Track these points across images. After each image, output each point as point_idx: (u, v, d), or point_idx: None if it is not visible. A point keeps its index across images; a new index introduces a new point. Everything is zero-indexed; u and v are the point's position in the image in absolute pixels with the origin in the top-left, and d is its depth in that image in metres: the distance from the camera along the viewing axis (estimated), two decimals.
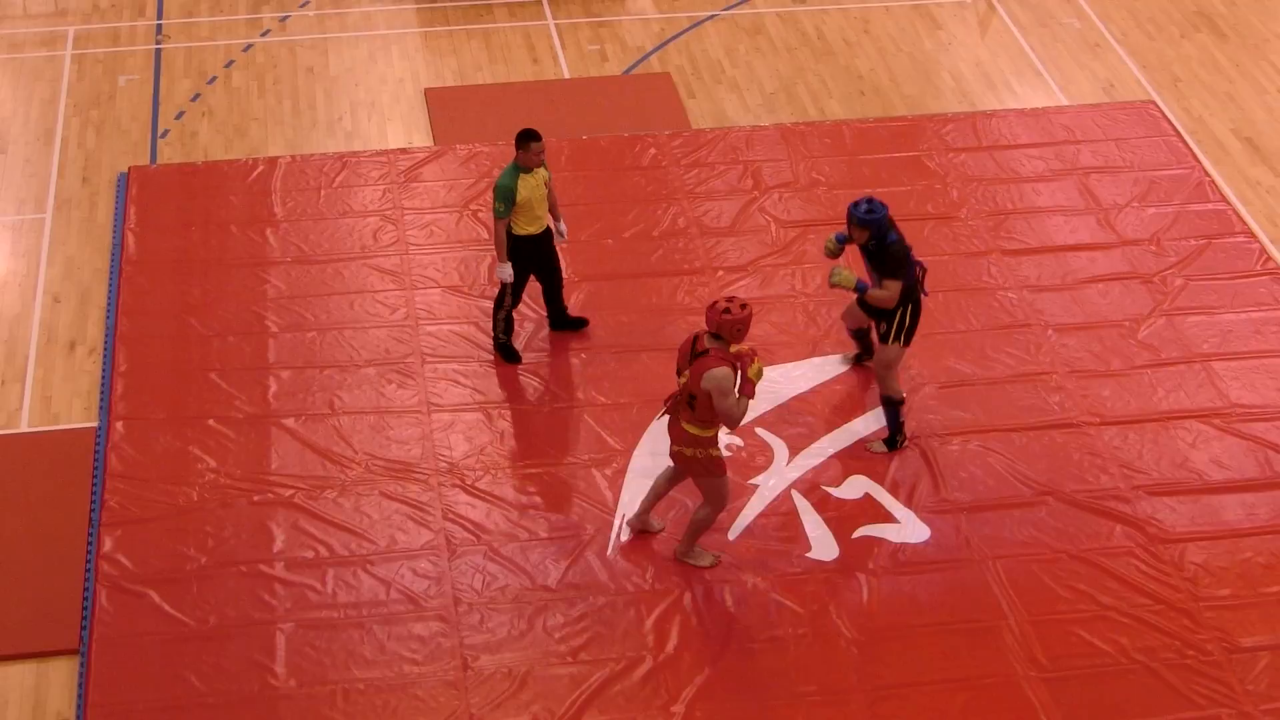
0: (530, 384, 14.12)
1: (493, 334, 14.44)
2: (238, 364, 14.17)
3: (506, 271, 13.90)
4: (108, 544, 12.58)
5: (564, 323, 14.65)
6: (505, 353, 14.41)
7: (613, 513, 13.02)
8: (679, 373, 12.00)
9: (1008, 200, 16.25)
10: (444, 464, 13.34)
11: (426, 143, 17.10)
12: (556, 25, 19.11)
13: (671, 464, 12.37)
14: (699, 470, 12.14)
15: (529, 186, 13.66)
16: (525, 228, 13.85)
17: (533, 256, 14.04)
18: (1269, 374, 14.39)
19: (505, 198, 13.57)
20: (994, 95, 18.14)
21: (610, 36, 18.96)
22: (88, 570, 12.47)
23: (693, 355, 11.85)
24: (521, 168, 13.59)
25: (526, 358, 14.34)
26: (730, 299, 11.82)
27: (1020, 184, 16.43)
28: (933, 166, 16.65)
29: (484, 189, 16.16)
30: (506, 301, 14.21)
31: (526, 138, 13.49)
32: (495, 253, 13.92)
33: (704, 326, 11.93)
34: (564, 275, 14.61)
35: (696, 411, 11.81)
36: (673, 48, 18.79)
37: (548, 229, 14.04)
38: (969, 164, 16.64)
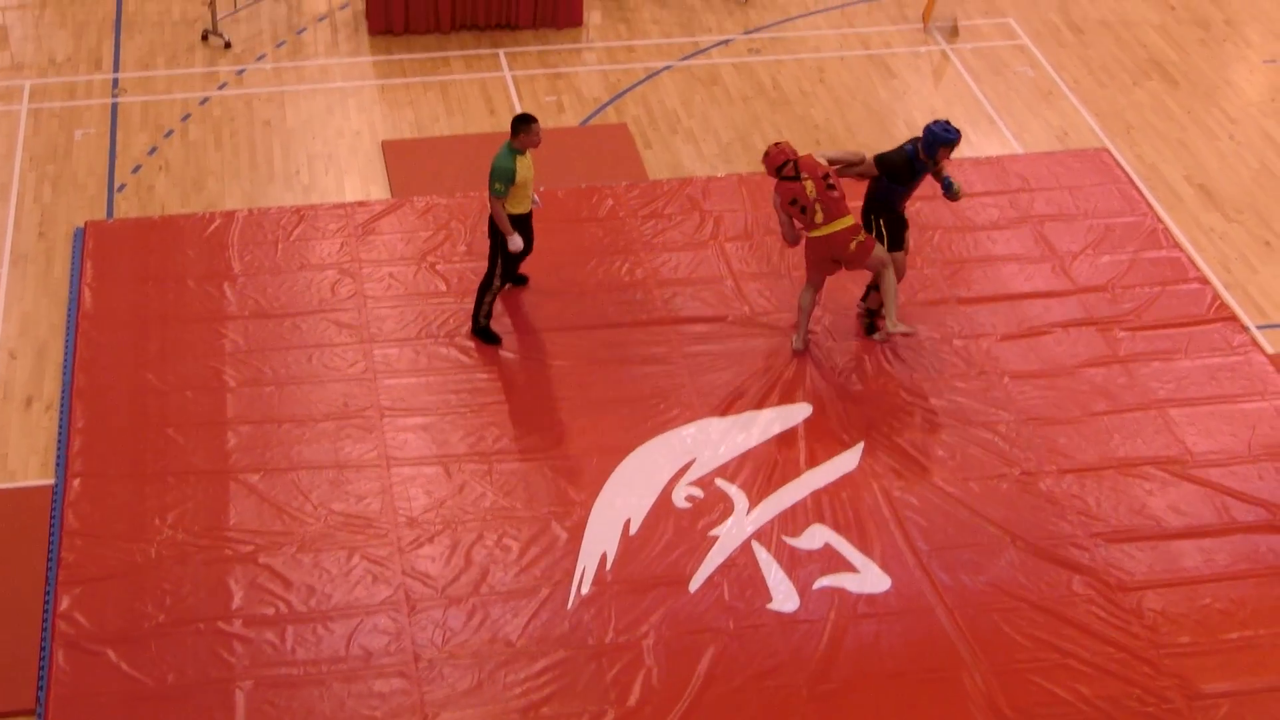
0: (490, 435, 14.11)
1: (475, 320, 14.94)
2: (195, 419, 14.12)
3: (517, 241, 14.51)
4: (65, 602, 12.50)
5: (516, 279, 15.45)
6: (486, 336, 14.94)
7: (574, 565, 13.00)
8: (800, 194, 14.23)
9: (963, 248, 16.33)
10: (403, 518, 13.31)
11: (384, 195, 17.11)
12: (513, 77, 19.16)
13: (814, 288, 14.77)
14: (869, 250, 14.31)
15: (525, 167, 14.32)
16: (517, 207, 14.49)
17: (522, 234, 14.59)
18: (1225, 420, 14.47)
19: (505, 178, 14.20)
20: None
21: (566, 88, 19.01)
22: (44, 629, 12.38)
23: (796, 175, 14.27)
24: (517, 150, 14.23)
25: (485, 410, 14.32)
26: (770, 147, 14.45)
27: (975, 232, 16.53)
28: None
29: (442, 241, 16.17)
30: (495, 283, 14.80)
31: (526, 119, 14.16)
32: (501, 229, 14.46)
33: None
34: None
35: (836, 190, 14.25)
36: (629, 98, 18.86)
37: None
38: (924, 212, 16.71)
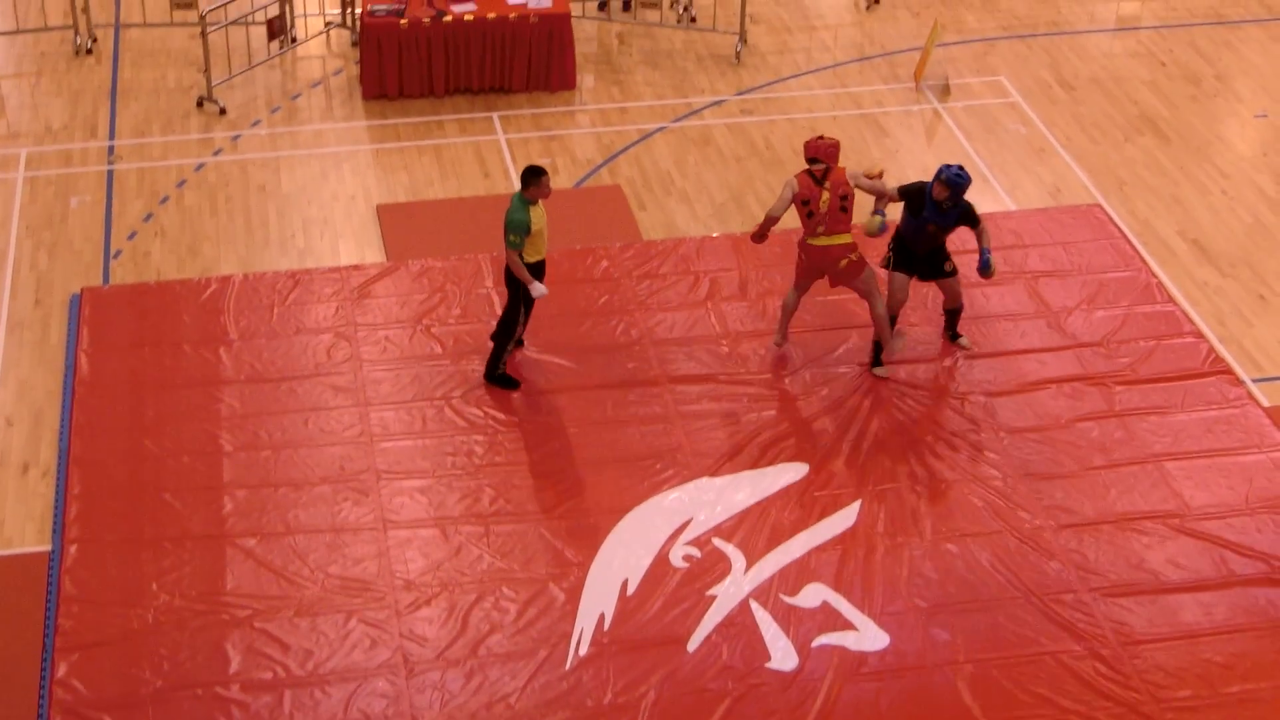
0: (486, 497, 14.10)
1: (490, 368, 15.16)
2: (192, 484, 14.11)
3: (541, 288, 14.68)
4: (62, 669, 12.46)
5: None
6: (504, 382, 15.18)
7: (572, 626, 12.97)
8: (814, 199, 14.73)
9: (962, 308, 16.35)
10: (400, 581, 13.29)
11: (379, 258, 17.15)
12: (507, 140, 19.24)
13: (799, 292, 15.35)
14: (858, 270, 14.87)
15: (538, 217, 14.55)
16: (531, 257, 14.67)
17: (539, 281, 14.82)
18: (1221, 473, 14.47)
19: (520, 229, 14.39)
20: None
21: (560, 149, 19.09)
22: (42, 696, 12.34)
23: (821, 180, 14.75)
24: (530, 201, 14.42)
25: (482, 472, 14.32)
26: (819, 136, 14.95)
27: (969, 289, 16.55)
28: (883, 274, 16.74)
29: (437, 304, 16.21)
30: (517, 330, 15.02)
31: (537, 171, 14.38)
32: (521, 279, 14.65)
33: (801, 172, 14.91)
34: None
35: (846, 212, 14.70)
36: (622, 160, 18.93)
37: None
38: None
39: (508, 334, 15.10)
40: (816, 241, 14.98)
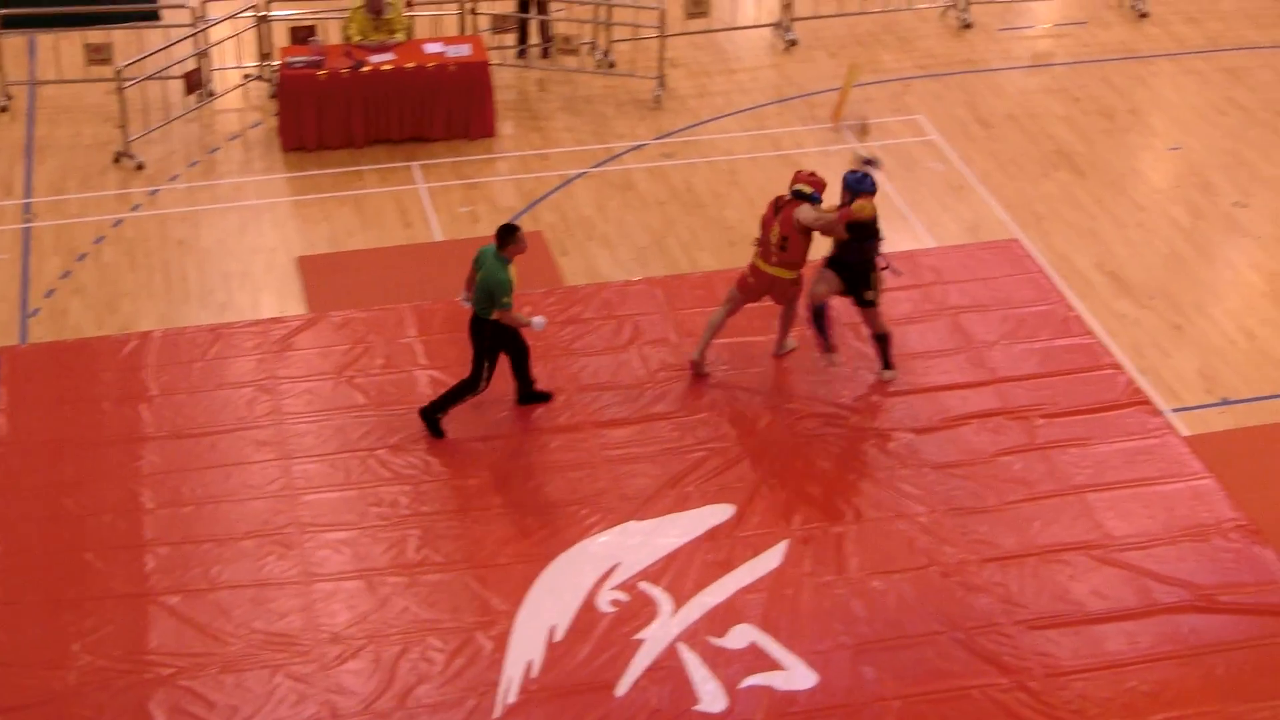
0: (411, 547, 14.04)
1: (434, 406, 15.13)
2: (113, 543, 14.00)
3: (541, 320, 14.90)
4: None
5: (532, 396, 15.52)
6: (434, 427, 15.20)
7: (499, 675, 12.92)
8: (767, 230, 15.23)
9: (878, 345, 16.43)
10: (326, 634, 13.21)
11: (300, 310, 17.11)
12: (428, 189, 19.25)
13: (727, 307, 15.70)
14: (797, 294, 15.56)
15: (514, 273, 14.61)
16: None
17: (511, 335, 14.99)
18: (1142, 503, 14.57)
19: (508, 290, 14.51)
20: None
21: (481, 197, 19.11)
22: None
23: (778, 209, 15.12)
24: (506, 259, 14.49)
25: (407, 522, 14.27)
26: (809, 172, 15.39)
27: (891, 325, 16.62)
28: (804, 313, 16.81)
29: (360, 355, 16.17)
30: (480, 387, 15.04)
31: (513, 230, 14.50)
32: (517, 325, 14.86)
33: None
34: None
35: (788, 252, 15.12)
36: (543, 206, 18.96)
37: None
38: (840, 308, 16.81)
39: (472, 388, 15.08)
40: (766, 268, 15.46)
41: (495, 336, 14.89)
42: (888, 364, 16.01)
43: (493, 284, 14.49)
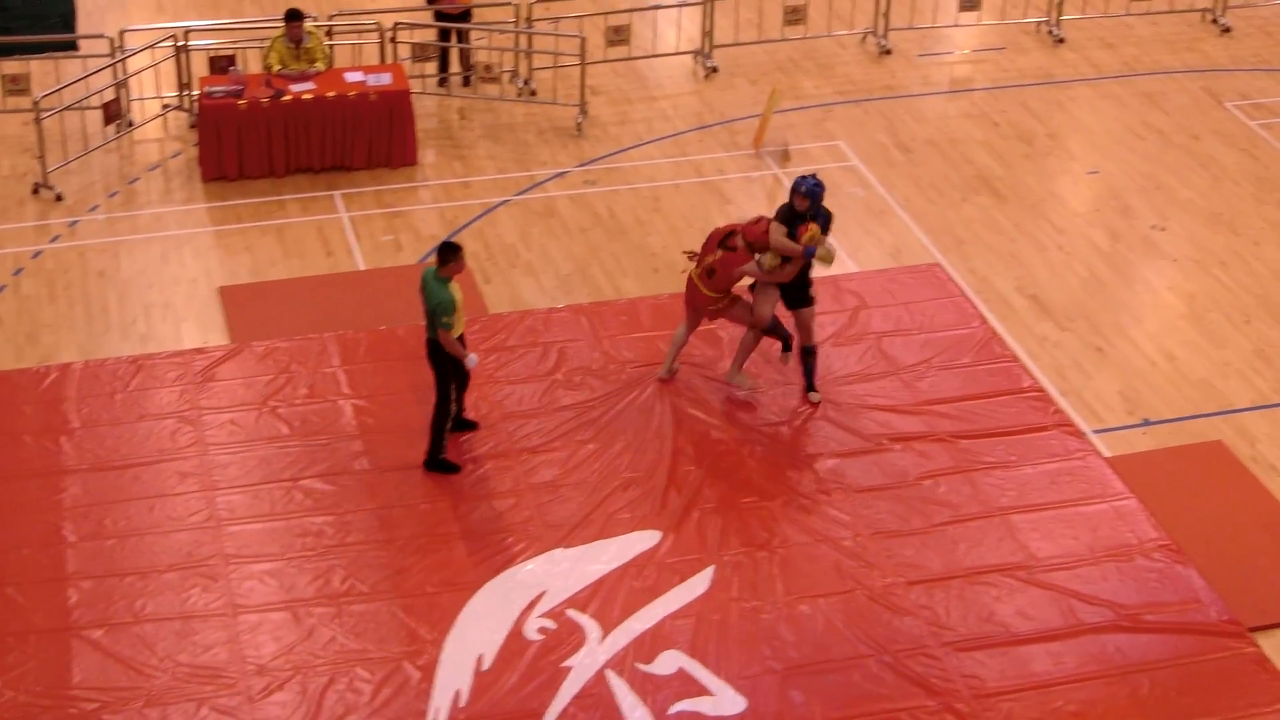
0: (337, 577, 13.97)
1: (431, 454, 15.00)
2: (34, 577, 13.85)
3: (473, 359, 14.84)
4: None
5: (462, 424, 15.40)
6: (444, 467, 15.06)
7: (427, 705, 12.86)
8: (702, 256, 15.53)
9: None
10: (252, 666, 13.12)
11: (223, 341, 17.00)
12: (350, 218, 19.18)
13: (688, 329, 16.02)
14: (727, 309, 15.66)
15: (457, 291, 14.57)
16: (457, 329, 14.64)
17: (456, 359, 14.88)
18: (1066, 524, 14.67)
19: (450, 309, 14.45)
20: None
21: (404, 226, 19.06)
22: None
23: (722, 245, 15.39)
24: (445, 278, 14.49)
25: (332, 552, 14.20)
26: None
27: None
28: (726, 336, 16.87)
29: (283, 385, 16.08)
30: (450, 410, 14.96)
31: (454, 248, 14.49)
32: (455, 354, 14.72)
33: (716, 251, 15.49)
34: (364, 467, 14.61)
35: (714, 280, 15.42)
36: (466, 234, 18.93)
37: None
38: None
39: (443, 416, 15.01)
40: (695, 280, 15.68)
41: (450, 359, 14.81)
42: (812, 386, 16.07)
43: (434, 304, 14.47)
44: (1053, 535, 14.57)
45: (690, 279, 15.75)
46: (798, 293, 15.75)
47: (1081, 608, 13.82)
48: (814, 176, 15.57)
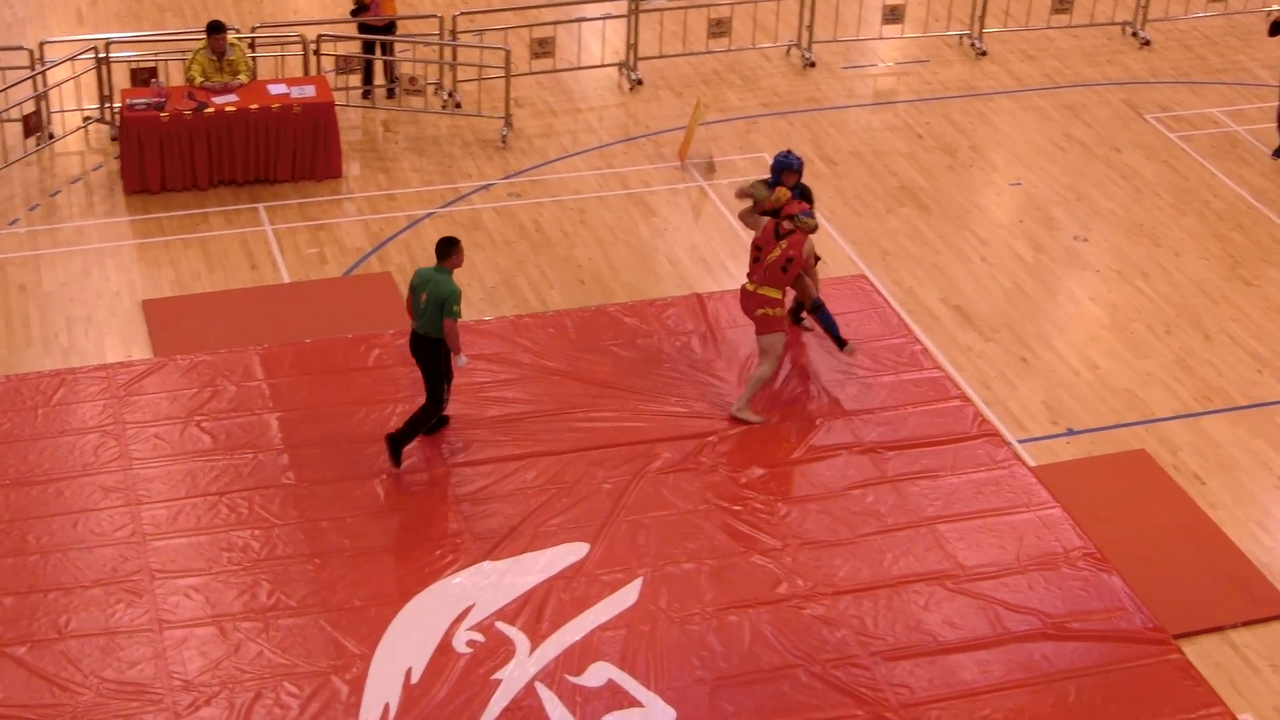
0: (264, 591, 13.88)
1: (400, 435, 15.18)
2: None
3: (464, 359, 15.11)
4: None
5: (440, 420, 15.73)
6: (398, 455, 15.24)
7: (355, 719, 12.79)
8: (765, 247, 15.70)
9: (731, 382, 16.52)
10: (179, 682, 13.01)
11: (146, 355, 16.87)
12: (274, 230, 19.08)
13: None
14: (763, 327, 15.77)
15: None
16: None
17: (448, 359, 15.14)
18: (992, 533, 14.76)
19: (459, 298, 14.72)
20: (711, 277, 18.52)
21: (329, 239, 18.98)
22: None
23: (781, 235, 15.66)
24: (448, 270, 14.79)
25: (259, 566, 14.11)
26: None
27: (738, 359, 16.74)
28: (656, 351, 16.88)
29: (208, 398, 15.98)
30: (440, 409, 15.21)
31: (455, 241, 14.84)
32: (455, 348, 14.90)
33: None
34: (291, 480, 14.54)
35: (786, 274, 15.61)
36: (391, 247, 18.87)
37: None
38: (694, 346, 16.92)
39: (435, 410, 15.22)
40: (748, 285, 15.90)
41: (446, 356, 15.01)
42: (840, 341, 16.75)
43: (445, 293, 14.66)
44: (979, 544, 14.65)
45: (745, 289, 15.94)
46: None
47: (1008, 616, 13.91)
48: (790, 151, 16.62)
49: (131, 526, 14.46)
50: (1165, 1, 24.77)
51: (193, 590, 13.88)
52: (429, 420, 15.24)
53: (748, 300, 15.93)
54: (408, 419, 15.27)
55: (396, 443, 15.18)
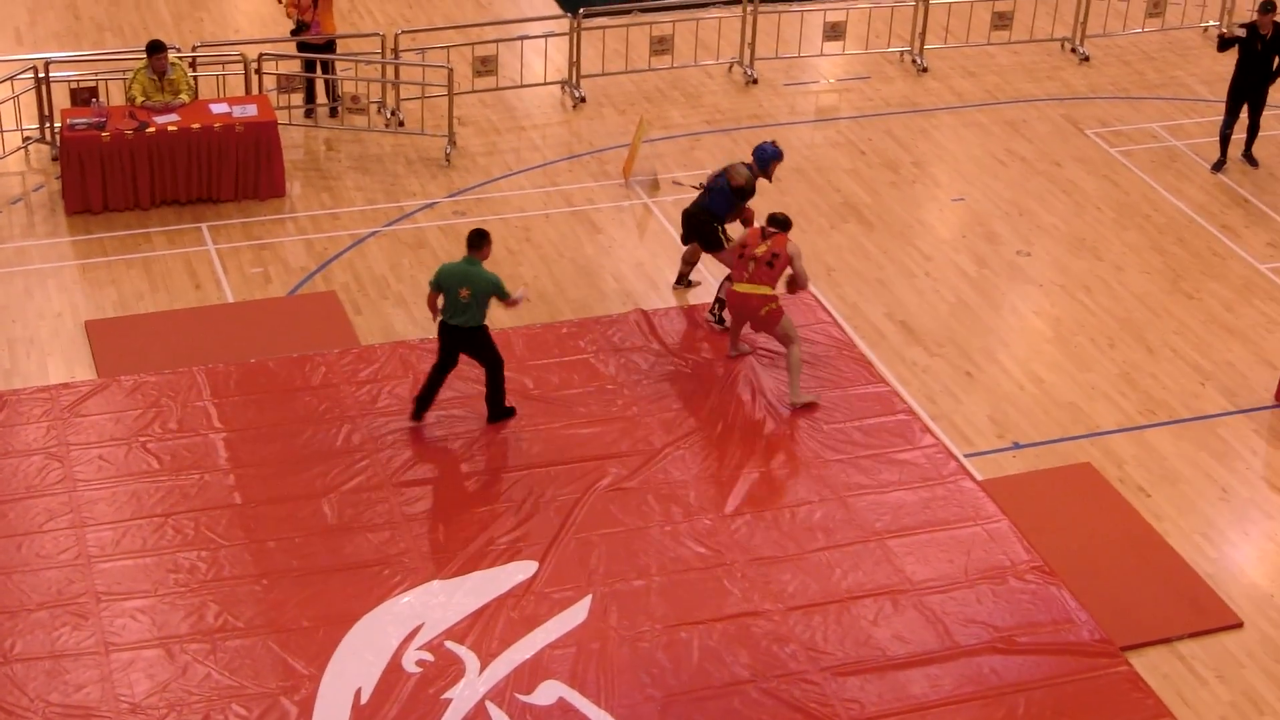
0: (211, 613, 13.80)
1: (502, 406, 16.13)
2: None
3: (522, 291, 16.04)
4: None
5: (503, 413, 16.30)
6: (509, 413, 16.23)
7: None
8: (751, 244, 16.38)
9: (677, 398, 16.54)
10: (125, 705, 12.91)
11: (90, 376, 16.76)
12: (217, 250, 18.99)
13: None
14: (772, 321, 16.31)
15: None
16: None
17: (466, 340, 15.85)
18: (940, 547, 14.81)
19: (503, 282, 15.66)
20: (656, 293, 18.53)
21: (272, 258, 18.90)
22: None
23: (766, 235, 16.39)
24: (480, 262, 15.56)
25: (206, 588, 14.02)
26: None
27: (685, 374, 16.76)
28: (603, 368, 16.90)
29: (153, 419, 15.88)
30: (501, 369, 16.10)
31: (483, 233, 15.60)
32: (511, 300, 15.77)
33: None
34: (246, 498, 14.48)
35: (773, 269, 16.26)
36: (336, 266, 18.81)
37: None
38: (639, 362, 16.93)
39: (502, 374, 15.97)
40: (740, 288, 16.42)
41: (487, 335, 15.77)
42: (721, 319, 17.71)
43: (491, 286, 15.44)
44: (927, 558, 14.69)
45: (738, 293, 16.45)
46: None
47: (957, 630, 13.95)
48: (772, 144, 17.85)
49: (77, 549, 14.36)
50: (1104, 18, 24.96)
51: (139, 612, 13.78)
52: (502, 379, 15.99)
53: (746, 302, 16.41)
54: (490, 395, 16.07)
55: (502, 413, 16.14)
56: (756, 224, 17.08)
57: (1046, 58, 24.55)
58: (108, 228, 19.31)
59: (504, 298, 15.56)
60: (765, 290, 16.30)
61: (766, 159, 17.77)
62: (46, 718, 12.78)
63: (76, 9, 24.58)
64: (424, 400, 16.06)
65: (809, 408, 16.43)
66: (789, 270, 16.50)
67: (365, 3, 25.16)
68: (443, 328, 15.69)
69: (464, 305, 15.42)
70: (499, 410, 16.14)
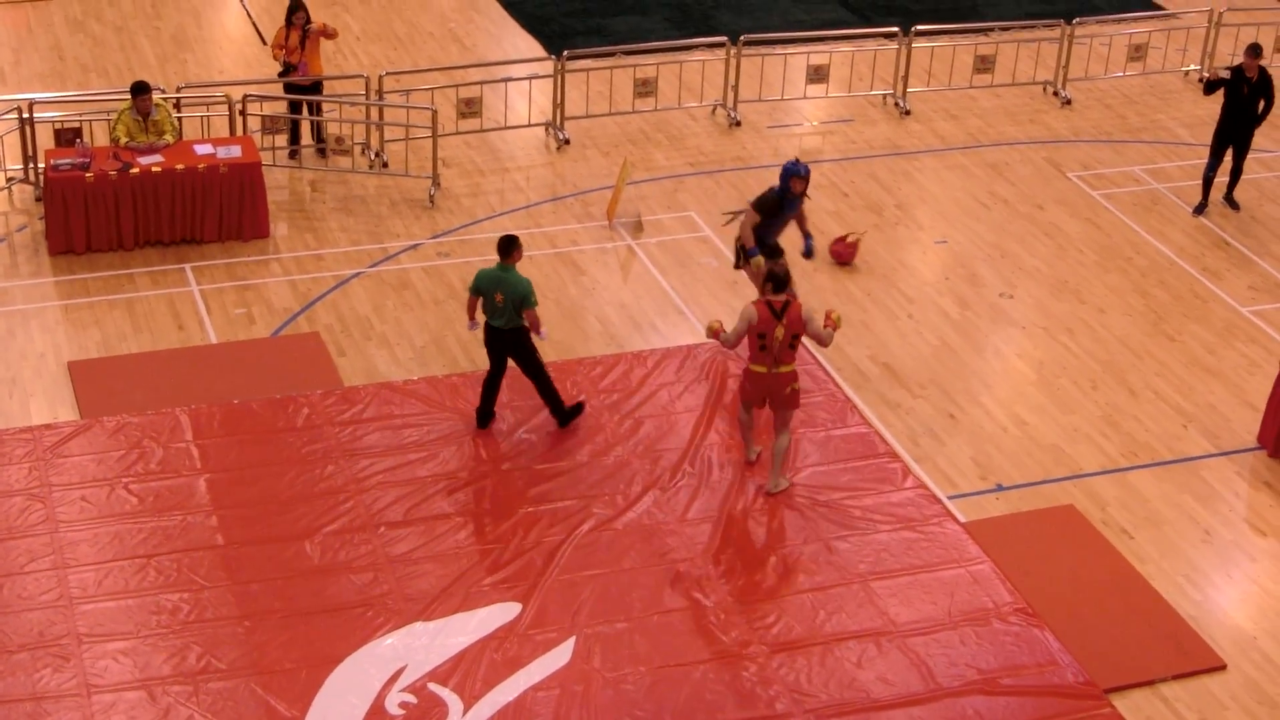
0: (193, 655, 13.75)
1: (562, 410, 16.55)
2: None
3: (545, 332, 16.40)
4: None
5: (569, 413, 16.76)
6: (576, 411, 16.78)
7: None
8: (769, 333, 15.39)
9: (662, 439, 16.54)
10: None
11: (72, 416, 16.74)
12: (201, 291, 18.99)
13: (749, 410, 16.06)
14: (794, 402, 15.76)
15: None
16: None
17: (503, 345, 16.30)
18: (923, 589, 14.80)
19: (533, 289, 15.96)
20: (640, 336, 18.56)
21: (256, 299, 18.91)
22: None
23: (779, 313, 15.40)
24: (512, 266, 15.88)
25: (188, 629, 13.98)
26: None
27: (669, 415, 16.77)
28: (587, 410, 16.88)
29: (135, 460, 15.86)
30: (547, 372, 16.49)
31: (513, 238, 15.99)
32: (536, 327, 16.09)
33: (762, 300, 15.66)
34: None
35: (794, 349, 15.57)
36: (320, 307, 18.82)
37: None
38: (622, 404, 16.94)
39: (546, 376, 16.35)
40: (761, 368, 15.67)
41: (527, 336, 16.12)
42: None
43: (522, 291, 15.78)
44: (910, 600, 14.69)
45: (760, 375, 15.63)
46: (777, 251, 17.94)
47: (941, 672, 13.94)
48: (796, 160, 17.88)
49: (58, 590, 14.31)
50: (1085, 61, 25.09)
51: (121, 654, 13.74)
52: (552, 385, 16.40)
53: (774, 383, 15.60)
54: (547, 403, 16.50)
55: (566, 416, 16.57)
56: (757, 295, 16.39)
57: (1029, 101, 24.67)
58: (91, 268, 19.31)
59: (529, 306, 15.82)
60: (791, 368, 15.69)
61: (785, 174, 17.75)
62: None
63: (61, 50, 24.64)
64: (484, 412, 16.60)
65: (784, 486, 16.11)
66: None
67: (349, 44, 25.24)
68: (488, 330, 16.19)
69: (501, 308, 15.88)
70: (563, 413, 16.59)
